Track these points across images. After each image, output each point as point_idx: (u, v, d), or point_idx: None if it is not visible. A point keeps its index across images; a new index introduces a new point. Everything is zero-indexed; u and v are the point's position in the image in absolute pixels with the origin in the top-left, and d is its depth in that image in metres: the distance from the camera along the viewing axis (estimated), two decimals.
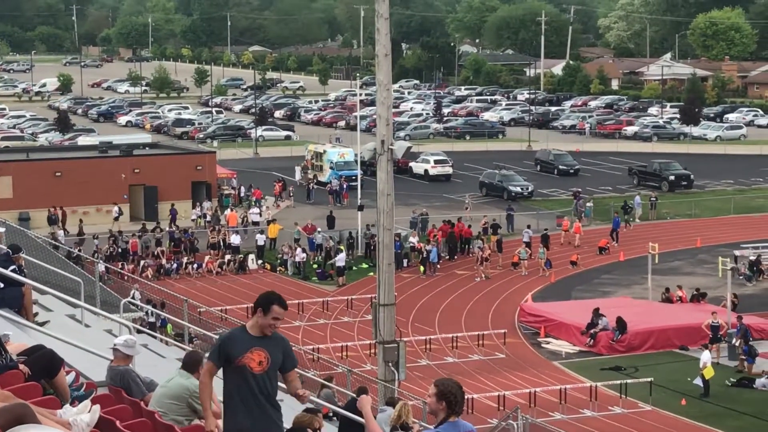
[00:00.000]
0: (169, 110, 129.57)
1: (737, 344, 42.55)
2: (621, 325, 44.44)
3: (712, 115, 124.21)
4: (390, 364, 26.28)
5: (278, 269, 58.58)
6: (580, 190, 74.58)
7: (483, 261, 57.27)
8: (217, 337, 9.98)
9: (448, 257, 60.64)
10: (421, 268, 57.70)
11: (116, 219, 65.65)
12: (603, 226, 66.92)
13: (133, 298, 37.43)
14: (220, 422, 10.27)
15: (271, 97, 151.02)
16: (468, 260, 60.25)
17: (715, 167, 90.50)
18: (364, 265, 58.53)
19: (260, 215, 67.34)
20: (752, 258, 56.87)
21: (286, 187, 77.85)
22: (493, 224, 63.36)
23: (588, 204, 70.76)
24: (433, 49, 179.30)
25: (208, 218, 66.68)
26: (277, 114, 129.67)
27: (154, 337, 24.70)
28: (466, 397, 35.69)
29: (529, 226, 62.30)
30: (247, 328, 9.88)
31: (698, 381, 39.07)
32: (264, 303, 9.80)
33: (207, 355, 9.86)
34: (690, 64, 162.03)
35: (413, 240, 60.34)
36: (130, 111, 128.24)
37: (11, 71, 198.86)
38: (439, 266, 58.36)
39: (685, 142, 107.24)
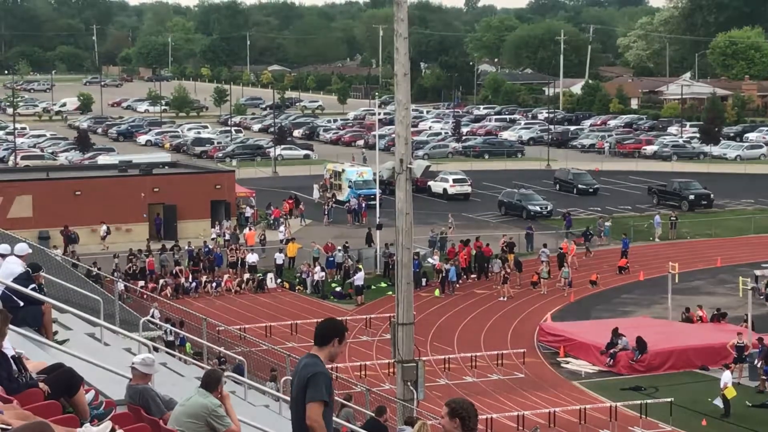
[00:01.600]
0: (189, 129, 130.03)
1: (758, 365, 42.30)
2: (641, 344, 44.26)
3: (732, 134, 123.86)
4: (409, 383, 26.20)
5: (297, 288, 58.59)
6: (569, 211, 74.15)
7: (506, 280, 57.18)
8: (318, 374, 9.43)
9: (476, 277, 60.58)
10: (437, 292, 57.44)
11: (103, 238, 65.66)
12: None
13: (152, 316, 37.49)
14: None
15: (290, 116, 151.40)
16: (488, 279, 60.14)
17: (735, 186, 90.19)
18: (383, 284, 58.48)
19: (284, 234, 67.38)
20: None
21: (298, 204, 77.98)
22: (509, 243, 63.29)
23: (607, 224, 70.59)
24: (451, 69, 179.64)
25: (227, 237, 66.75)
26: (296, 133, 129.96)
27: (173, 356, 24.72)
28: (486, 417, 35.37)
29: (545, 245, 62.16)
30: (323, 360, 9.66)
31: (718, 401, 38.85)
32: (342, 332, 9.71)
33: (319, 397, 9.40)
34: (710, 83, 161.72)
35: (432, 260, 60.17)
36: (150, 130, 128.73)
37: (32, 90, 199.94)
38: (458, 285, 58.29)
39: (705, 162, 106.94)
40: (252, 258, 60.77)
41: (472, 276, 60.70)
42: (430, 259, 60.38)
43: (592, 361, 45.46)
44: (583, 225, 72.14)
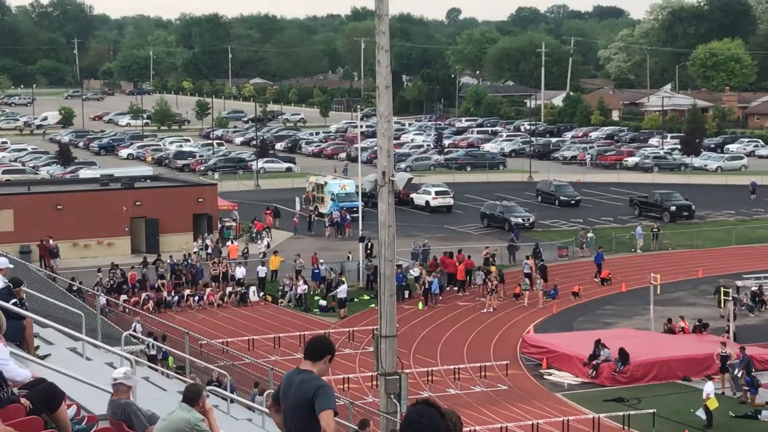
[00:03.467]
0: (171, 143, 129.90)
1: (740, 375, 42.41)
2: (623, 356, 44.32)
3: (712, 145, 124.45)
4: (392, 396, 26.15)
5: (279, 301, 58.49)
6: (517, 226, 74.08)
7: (492, 292, 57.16)
8: (324, 386, 9.47)
9: (457, 289, 60.47)
10: (420, 305, 57.42)
11: None
12: (605, 257, 66.79)
13: (134, 330, 37.38)
14: None
15: (272, 129, 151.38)
16: (470, 291, 60.15)
17: (716, 198, 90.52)
18: (366, 297, 58.44)
19: (268, 246, 67.31)
20: (754, 288, 56.74)
21: (277, 216, 77.87)
22: (493, 254, 63.35)
23: (589, 235, 70.74)
24: (433, 81, 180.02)
25: (209, 250, 66.61)
26: (278, 146, 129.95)
27: (156, 370, 24.65)
28: (470, 429, 35.34)
29: (528, 257, 62.28)
30: (316, 374, 9.65)
31: (700, 413, 38.89)
32: (334, 351, 9.74)
33: (331, 406, 9.43)
34: (690, 95, 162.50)
35: (414, 272, 60.18)
36: (132, 144, 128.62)
37: (13, 104, 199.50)
38: (440, 298, 58.29)
39: (686, 173, 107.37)
40: (240, 272, 60.62)
41: (454, 288, 60.69)
42: (412, 271, 60.40)
43: (574, 373, 45.49)
44: (567, 237, 72.24)
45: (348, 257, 63.19)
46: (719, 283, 55.46)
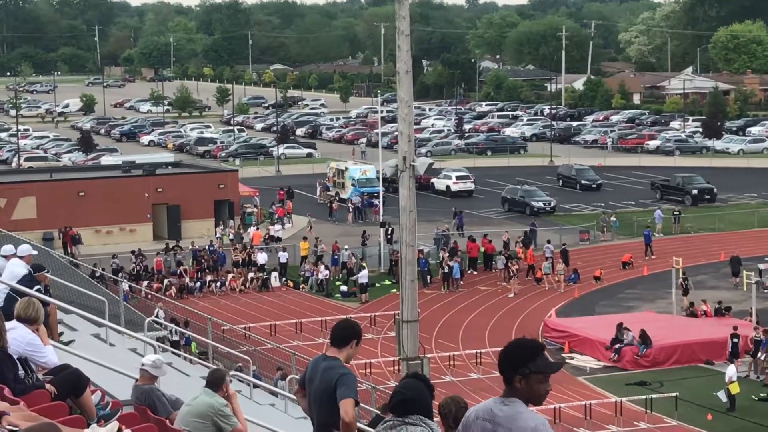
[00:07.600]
0: (192, 129, 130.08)
1: (762, 357, 42.31)
2: (645, 338, 44.23)
3: (734, 128, 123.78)
4: None
5: (301, 286, 58.64)
6: (460, 210, 73.25)
7: (513, 276, 57.13)
8: (348, 374, 9.46)
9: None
10: (444, 287, 57.55)
11: None
12: (626, 240, 66.74)
13: (157, 316, 37.56)
14: None
15: (293, 115, 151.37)
16: (492, 276, 60.16)
17: (738, 180, 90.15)
18: (387, 282, 58.51)
19: (280, 233, 67.39)
20: None
21: (290, 197, 77.77)
22: (505, 243, 63.19)
23: (612, 218, 70.58)
24: (453, 66, 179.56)
25: (231, 236, 66.79)
26: (299, 132, 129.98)
27: (179, 356, 24.78)
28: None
29: (549, 241, 62.19)
30: (342, 361, 9.65)
31: (721, 394, 38.78)
32: (360, 334, 9.75)
33: (355, 396, 9.44)
34: (712, 77, 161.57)
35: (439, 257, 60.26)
36: (153, 130, 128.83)
37: (34, 92, 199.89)
38: (461, 282, 58.32)
39: (708, 156, 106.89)
40: (262, 258, 60.82)
41: (474, 272, 60.78)
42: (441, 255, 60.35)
43: (596, 357, 45.47)
44: (588, 221, 72.06)
45: (365, 240, 63.05)
46: (735, 254, 55.63)
